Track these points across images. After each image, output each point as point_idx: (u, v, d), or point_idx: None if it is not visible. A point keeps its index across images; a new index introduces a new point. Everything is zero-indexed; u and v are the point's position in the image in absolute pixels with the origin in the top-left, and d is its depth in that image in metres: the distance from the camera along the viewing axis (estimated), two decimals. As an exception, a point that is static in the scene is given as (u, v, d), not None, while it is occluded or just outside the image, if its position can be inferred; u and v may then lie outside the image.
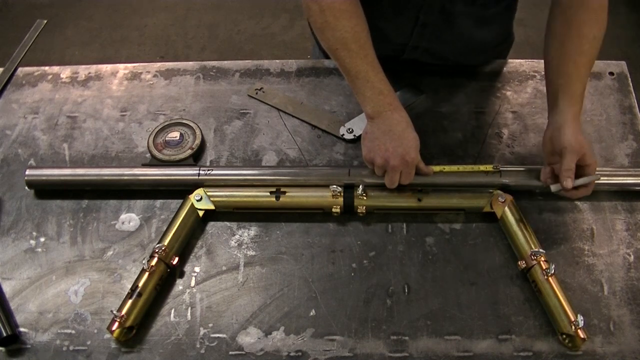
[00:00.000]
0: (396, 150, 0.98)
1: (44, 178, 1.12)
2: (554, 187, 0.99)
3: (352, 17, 0.99)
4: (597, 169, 1.11)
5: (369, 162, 1.03)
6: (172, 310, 1.01)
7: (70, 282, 1.04)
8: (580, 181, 0.97)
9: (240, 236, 1.09)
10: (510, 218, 1.03)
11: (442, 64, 1.27)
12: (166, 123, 1.20)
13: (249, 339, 0.97)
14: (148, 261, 1.00)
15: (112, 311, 0.95)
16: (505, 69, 1.29)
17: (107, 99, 1.29)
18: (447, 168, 1.05)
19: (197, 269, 1.05)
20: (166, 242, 1.03)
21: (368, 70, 1.00)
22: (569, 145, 0.95)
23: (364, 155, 1.03)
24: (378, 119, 1.01)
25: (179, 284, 1.03)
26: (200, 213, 1.08)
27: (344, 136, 1.18)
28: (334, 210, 1.07)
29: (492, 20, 1.16)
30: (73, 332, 0.99)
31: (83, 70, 1.34)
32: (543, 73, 1.27)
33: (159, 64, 1.35)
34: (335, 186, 1.06)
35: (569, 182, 0.95)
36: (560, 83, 1.00)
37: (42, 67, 1.35)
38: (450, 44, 1.19)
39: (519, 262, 1.00)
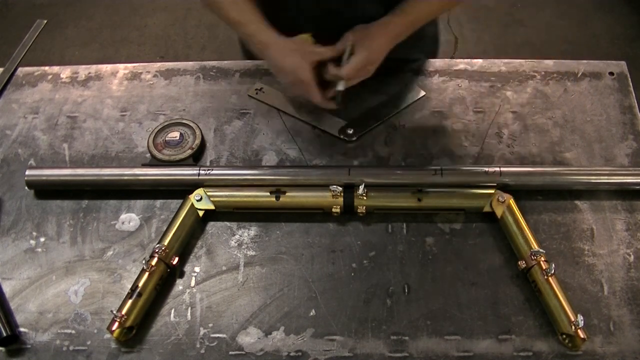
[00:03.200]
0: (289, 79, 1.08)
1: (44, 178, 1.12)
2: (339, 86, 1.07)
3: None
4: (597, 168, 1.12)
5: (286, 81, 1.12)
6: (172, 310, 1.01)
7: (70, 282, 1.04)
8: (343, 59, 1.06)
9: (240, 236, 1.09)
10: (510, 218, 1.03)
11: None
12: (166, 123, 1.20)
13: (249, 339, 0.97)
14: (148, 261, 1.00)
15: (112, 311, 0.95)
16: (505, 68, 1.29)
17: (107, 99, 1.29)
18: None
19: (197, 269, 1.05)
20: (166, 242, 1.03)
21: (239, 18, 1.10)
22: (346, 34, 1.08)
23: (283, 81, 1.13)
24: (262, 56, 1.11)
25: (179, 284, 1.03)
26: (200, 213, 1.08)
27: (343, 136, 1.18)
28: (334, 210, 1.07)
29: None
30: (73, 332, 0.99)
31: (83, 70, 1.34)
32: (543, 73, 1.28)
33: (159, 64, 1.35)
34: (335, 186, 1.06)
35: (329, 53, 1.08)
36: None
37: (42, 67, 1.35)
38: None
39: (519, 262, 1.00)
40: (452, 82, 1.27)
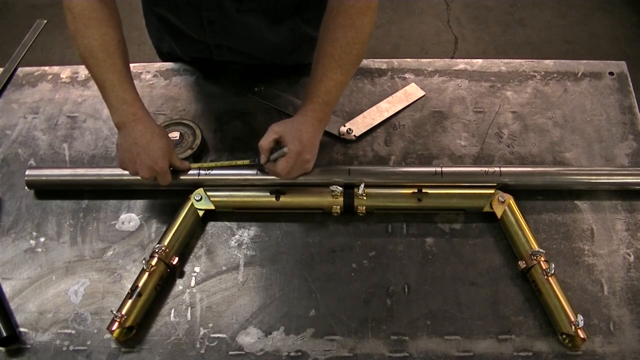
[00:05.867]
0: (144, 162, 0.99)
1: (43, 178, 1.12)
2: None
3: (102, 25, 0.98)
4: (597, 168, 1.12)
5: (125, 170, 1.03)
6: (172, 310, 1.01)
7: (70, 282, 1.04)
8: (273, 156, 1.02)
9: (240, 236, 1.09)
10: (510, 218, 1.03)
11: (259, 64, 1.30)
12: (166, 123, 1.20)
13: (249, 339, 0.97)
14: (148, 261, 1.00)
15: (112, 311, 0.95)
16: (505, 68, 1.29)
17: (107, 99, 1.28)
18: (205, 165, 1.09)
19: (197, 269, 1.05)
20: (166, 242, 1.03)
21: (113, 79, 0.99)
22: (270, 127, 1.02)
23: (118, 164, 1.03)
24: (124, 129, 1.00)
25: (179, 284, 1.03)
26: (200, 213, 1.08)
27: (343, 136, 1.19)
28: (334, 210, 1.07)
29: (281, 21, 1.18)
30: (73, 332, 0.99)
31: (83, 70, 1.33)
32: (543, 73, 1.28)
33: (159, 64, 1.35)
34: (335, 186, 1.06)
35: (262, 157, 1.02)
36: (309, 82, 1.04)
37: (42, 67, 1.35)
38: (247, 43, 1.22)
39: (519, 262, 1.00)
40: (452, 82, 1.27)
